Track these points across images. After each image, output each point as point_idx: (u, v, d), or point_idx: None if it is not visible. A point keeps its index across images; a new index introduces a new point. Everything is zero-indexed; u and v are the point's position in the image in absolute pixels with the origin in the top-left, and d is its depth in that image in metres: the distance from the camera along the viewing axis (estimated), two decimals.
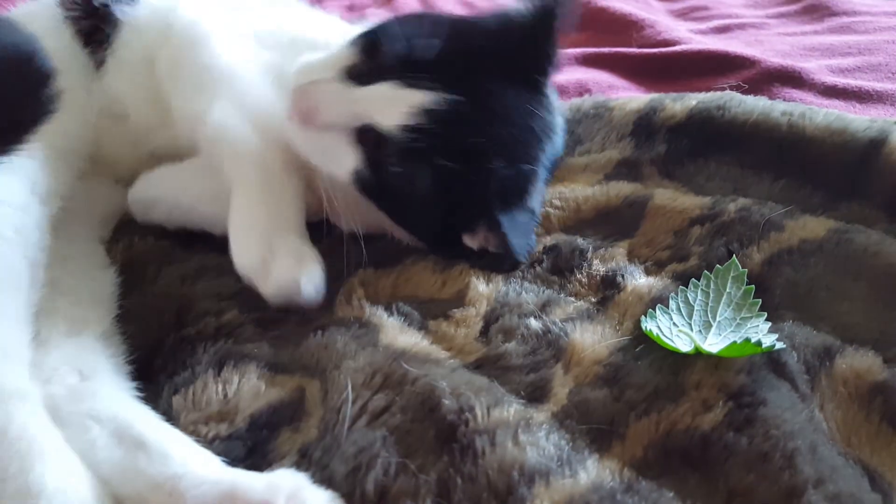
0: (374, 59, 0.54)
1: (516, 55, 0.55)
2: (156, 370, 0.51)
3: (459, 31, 0.56)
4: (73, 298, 0.52)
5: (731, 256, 0.56)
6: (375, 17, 0.75)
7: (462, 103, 0.52)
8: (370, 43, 0.55)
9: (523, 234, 0.55)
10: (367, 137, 0.54)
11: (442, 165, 0.51)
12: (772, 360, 0.48)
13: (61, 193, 0.57)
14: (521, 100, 0.56)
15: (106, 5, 0.67)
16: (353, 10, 1.40)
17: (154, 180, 0.64)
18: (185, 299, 0.57)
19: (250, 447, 0.43)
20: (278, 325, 0.55)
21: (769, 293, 0.54)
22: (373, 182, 0.54)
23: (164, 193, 0.63)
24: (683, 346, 0.48)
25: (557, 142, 0.60)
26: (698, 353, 0.47)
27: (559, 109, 0.62)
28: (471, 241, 0.56)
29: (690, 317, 0.51)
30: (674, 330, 0.50)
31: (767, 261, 0.57)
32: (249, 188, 0.56)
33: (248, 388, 0.48)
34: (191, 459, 0.41)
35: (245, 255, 0.54)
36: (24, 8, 0.73)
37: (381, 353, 0.48)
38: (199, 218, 0.63)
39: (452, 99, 0.51)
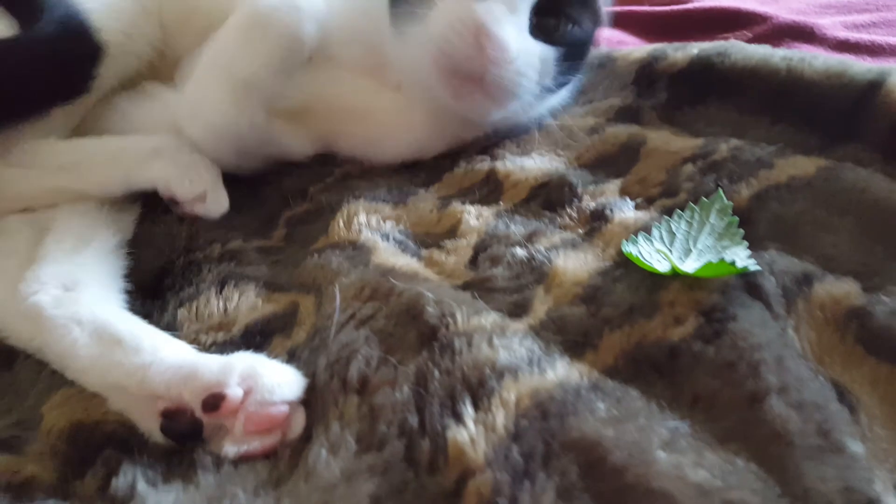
0: None
1: None
2: (165, 288, 0.55)
3: None
4: (89, 220, 0.55)
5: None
6: None
7: None
8: None
9: None
10: None
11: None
12: (748, 283, 0.49)
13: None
14: None
15: None
16: None
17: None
18: (194, 228, 0.60)
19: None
20: (279, 252, 0.58)
21: (754, 226, 0.55)
22: None
23: (116, 121, 0.65)
24: (661, 267, 0.49)
25: None
26: (675, 275, 0.49)
27: None
28: None
29: (672, 244, 0.52)
30: (654, 254, 0.51)
31: (755, 196, 0.58)
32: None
33: (245, 304, 0.51)
34: (160, 349, 0.44)
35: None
36: None
37: (372, 271, 0.51)
38: None
39: None
